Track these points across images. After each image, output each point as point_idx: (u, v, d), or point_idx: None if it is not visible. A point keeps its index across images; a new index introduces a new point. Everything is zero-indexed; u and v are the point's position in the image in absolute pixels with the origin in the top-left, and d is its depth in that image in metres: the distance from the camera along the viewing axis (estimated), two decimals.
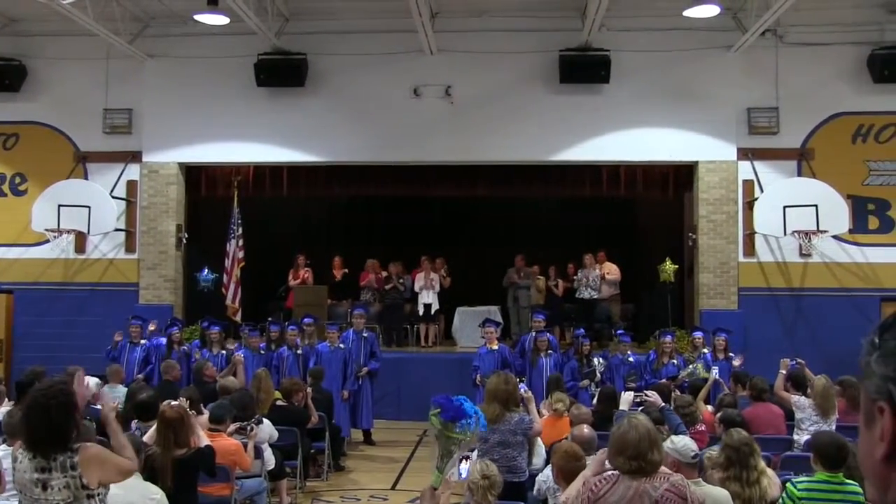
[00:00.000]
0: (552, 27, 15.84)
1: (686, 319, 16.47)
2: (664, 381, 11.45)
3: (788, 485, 6.03)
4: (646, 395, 7.03)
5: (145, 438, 7.20)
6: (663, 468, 4.59)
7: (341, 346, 13.56)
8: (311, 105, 16.40)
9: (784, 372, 10.10)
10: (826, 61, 15.75)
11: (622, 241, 18.47)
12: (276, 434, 9.65)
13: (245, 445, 8.36)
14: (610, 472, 4.55)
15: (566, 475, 5.71)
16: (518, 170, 17.02)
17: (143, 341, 14.14)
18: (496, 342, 13.39)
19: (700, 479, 5.78)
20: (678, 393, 10.22)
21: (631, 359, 13.09)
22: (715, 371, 11.78)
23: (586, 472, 5.03)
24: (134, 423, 8.47)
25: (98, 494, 4.97)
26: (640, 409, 7.00)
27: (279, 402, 10.60)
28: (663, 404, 7.15)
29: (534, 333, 13.61)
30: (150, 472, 6.69)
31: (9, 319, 16.80)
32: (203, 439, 6.77)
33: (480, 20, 15.95)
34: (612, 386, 11.48)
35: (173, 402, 7.45)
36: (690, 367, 12.31)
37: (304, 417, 10.63)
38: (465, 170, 17.03)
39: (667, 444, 5.85)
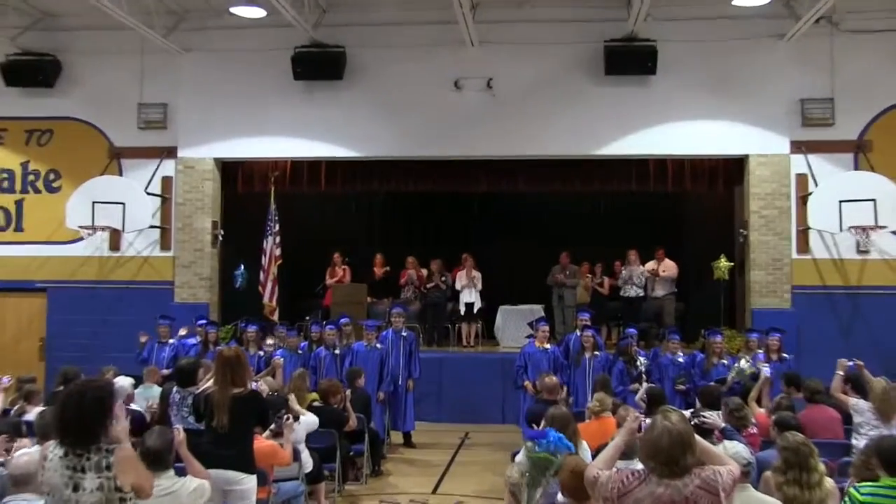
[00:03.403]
0: (596, 17, 15.68)
1: (737, 319, 16.28)
2: (713, 384, 11.22)
3: (851, 489, 5.87)
4: (704, 417, 6.84)
5: (203, 384, 7.77)
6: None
7: (378, 345, 13.51)
8: (349, 99, 16.37)
9: (841, 373, 9.87)
10: (884, 49, 15.43)
11: (670, 238, 18.26)
12: (316, 420, 9.56)
13: (281, 445, 8.30)
14: (641, 468, 4.54)
15: (573, 492, 5.61)
16: (562, 164, 16.87)
17: (171, 341, 14.25)
18: (546, 341, 13.30)
19: (748, 485, 5.66)
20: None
21: (681, 359, 12.89)
22: (766, 369, 11.55)
23: (617, 440, 4.97)
24: (175, 388, 8.55)
25: (130, 499, 4.93)
26: (694, 418, 6.80)
27: (315, 403, 10.55)
28: (723, 425, 6.99)
29: (579, 332, 13.48)
30: (209, 410, 7.02)
31: (42, 319, 16.89)
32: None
33: (522, 10, 15.85)
34: (661, 387, 11.29)
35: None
36: (736, 364, 12.09)
37: (341, 419, 10.57)
38: (508, 164, 16.93)
39: (719, 448, 5.76)
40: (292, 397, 9.72)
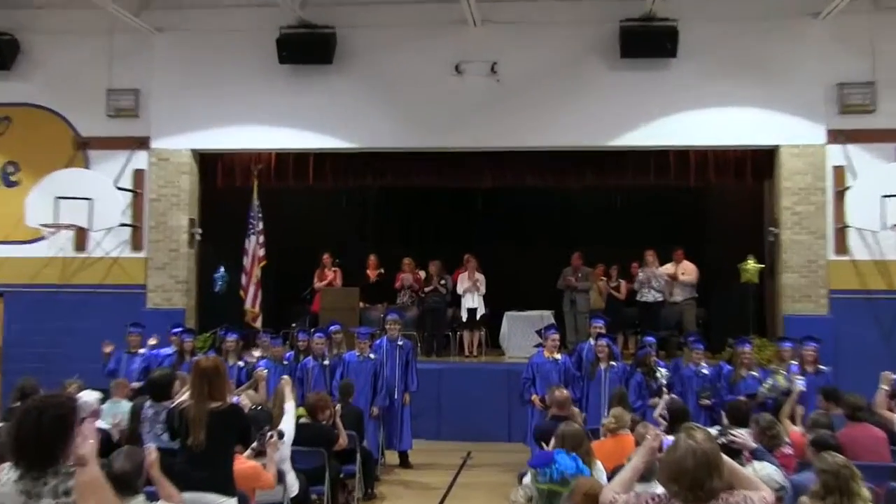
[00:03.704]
0: None
1: (767, 326, 16.21)
2: (742, 398, 11.12)
3: None
4: (732, 435, 6.73)
5: (179, 398, 7.70)
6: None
7: (371, 356, 13.46)
8: (339, 85, 16.30)
9: (886, 388, 9.77)
10: None
11: (692, 237, 18.21)
12: (292, 425, 9.37)
13: (264, 465, 8.19)
14: (661, 492, 4.52)
15: None
16: (573, 157, 16.77)
17: (141, 350, 14.16)
18: (557, 351, 13.21)
19: None
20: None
21: (705, 370, 12.81)
22: (800, 383, 11.44)
23: (636, 461, 4.91)
24: (148, 403, 8.45)
25: None
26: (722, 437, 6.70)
27: (302, 420, 10.45)
28: (755, 446, 6.88)
29: (592, 341, 13.40)
30: (183, 426, 6.95)
31: None
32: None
33: None
34: (683, 401, 11.19)
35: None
36: (770, 379, 11.98)
37: (331, 436, 10.48)
38: (514, 157, 16.82)
39: (748, 471, 5.68)
40: (286, 378, 9.68)
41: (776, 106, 15.59)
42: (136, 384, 12.84)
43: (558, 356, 13.12)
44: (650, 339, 13.60)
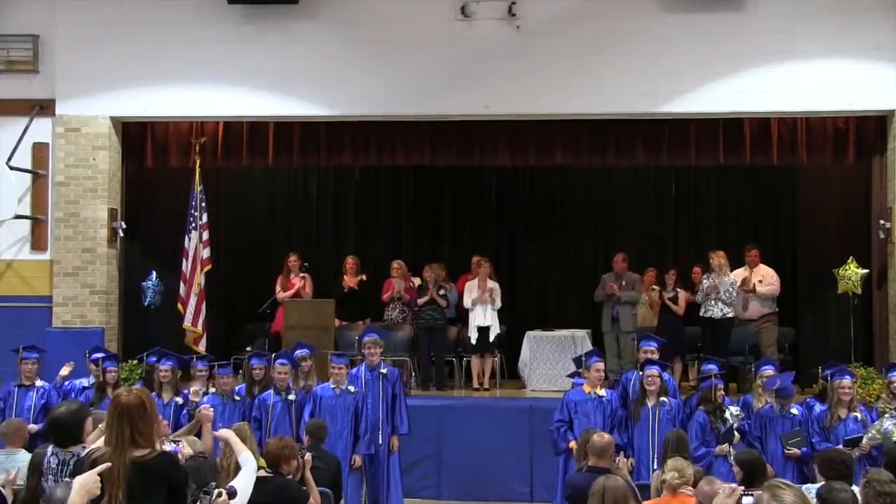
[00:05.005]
0: None
1: (875, 351, 16.17)
2: (841, 447, 11.06)
3: None
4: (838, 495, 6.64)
5: (90, 444, 7.54)
6: None
7: (351, 388, 13.38)
8: (308, 32, 16.30)
9: None
10: None
11: (773, 234, 18.21)
12: (250, 481, 9.36)
13: None
14: None
15: None
16: (617, 127, 16.78)
17: (39, 383, 14.02)
18: (601, 385, 13.13)
19: None
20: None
21: (794, 410, 12.73)
22: None
23: None
24: (50, 449, 8.40)
25: None
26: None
27: (261, 473, 10.41)
28: None
29: (639, 370, 13.33)
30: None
31: None
32: None
33: None
34: (756, 450, 11.13)
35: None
36: (880, 424, 11.91)
37: (299, 494, 10.44)
38: (538, 128, 16.85)
39: None
40: (239, 427, 9.63)
41: (891, 57, 15.52)
42: (33, 426, 12.81)
43: (603, 392, 13.01)
44: (712, 366, 13.45)
